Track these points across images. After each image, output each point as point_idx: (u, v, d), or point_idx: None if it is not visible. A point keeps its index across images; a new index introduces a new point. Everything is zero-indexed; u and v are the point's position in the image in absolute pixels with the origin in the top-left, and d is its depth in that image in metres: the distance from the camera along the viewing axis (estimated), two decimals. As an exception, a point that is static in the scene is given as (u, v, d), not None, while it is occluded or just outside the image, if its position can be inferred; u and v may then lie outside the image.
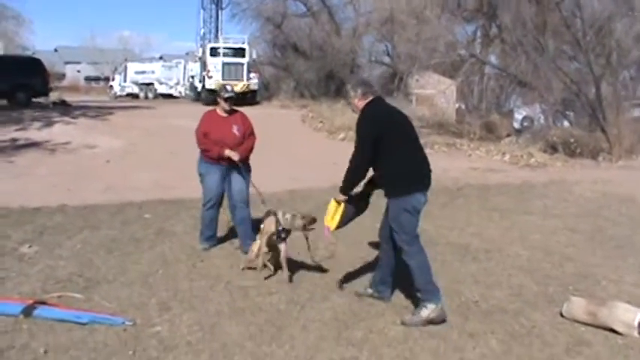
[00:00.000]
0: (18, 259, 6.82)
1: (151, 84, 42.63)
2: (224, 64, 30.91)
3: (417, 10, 25.68)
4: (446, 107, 27.61)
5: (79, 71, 68.60)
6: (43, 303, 5.24)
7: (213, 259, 7.00)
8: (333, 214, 5.63)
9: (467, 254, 7.56)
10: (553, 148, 18.48)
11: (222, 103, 7.19)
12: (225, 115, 7.22)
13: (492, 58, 27.11)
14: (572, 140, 18.18)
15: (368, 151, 5.28)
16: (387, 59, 34.60)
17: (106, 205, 9.86)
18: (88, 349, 4.53)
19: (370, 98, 5.52)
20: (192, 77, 37.54)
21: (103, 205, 9.85)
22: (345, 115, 21.59)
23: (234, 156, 6.98)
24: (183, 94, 40.74)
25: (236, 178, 7.15)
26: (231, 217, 7.49)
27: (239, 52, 31.77)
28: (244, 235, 7.31)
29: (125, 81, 43.58)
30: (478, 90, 25.79)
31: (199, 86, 33.49)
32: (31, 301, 5.21)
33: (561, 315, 5.49)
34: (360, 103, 5.51)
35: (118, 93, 43.22)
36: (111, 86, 45.49)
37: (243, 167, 7.11)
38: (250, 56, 32.19)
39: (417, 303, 5.39)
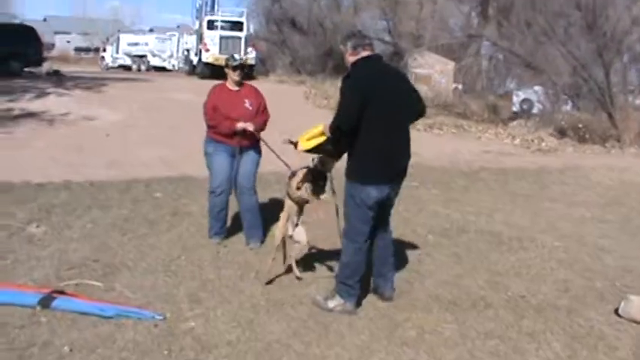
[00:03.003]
0: (26, 240, 6.31)
1: (144, 56, 41.89)
2: (221, 38, 30.14)
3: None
4: (444, 88, 27.19)
5: (68, 42, 67.58)
6: (62, 292, 4.74)
7: (237, 245, 6.49)
8: (312, 136, 5.04)
9: (500, 244, 7.15)
10: (561, 133, 18.12)
11: (232, 74, 6.41)
12: (235, 88, 6.47)
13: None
14: (580, 125, 17.83)
15: (351, 120, 4.59)
16: (387, 37, 33.95)
17: (112, 181, 9.37)
18: (117, 347, 4.06)
19: (363, 54, 4.76)
20: (188, 50, 36.64)
21: (109, 181, 9.36)
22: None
23: (249, 126, 6.21)
24: (176, 67, 40.05)
25: (244, 160, 6.41)
26: (238, 204, 6.68)
27: (237, 25, 31.07)
28: (250, 226, 6.56)
29: (117, 52, 42.71)
30: (478, 72, 25.35)
31: (195, 59, 32.72)
32: (48, 291, 4.72)
33: (616, 314, 5.12)
34: (352, 59, 4.79)
35: (110, 64, 42.31)
36: (102, 57, 44.57)
37: (254, 147, 6.44)
38: (248, 30, 31.54)
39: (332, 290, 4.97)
